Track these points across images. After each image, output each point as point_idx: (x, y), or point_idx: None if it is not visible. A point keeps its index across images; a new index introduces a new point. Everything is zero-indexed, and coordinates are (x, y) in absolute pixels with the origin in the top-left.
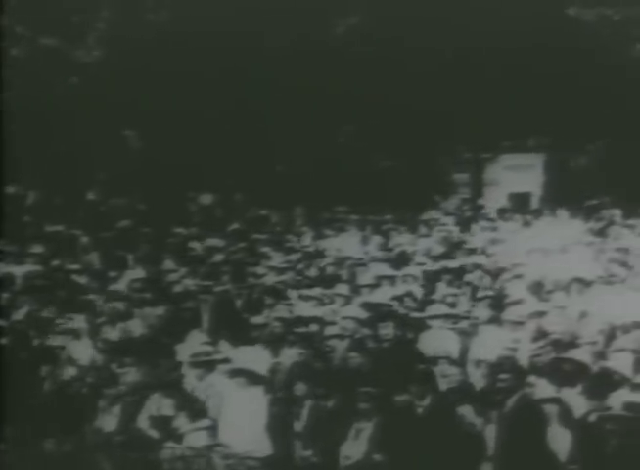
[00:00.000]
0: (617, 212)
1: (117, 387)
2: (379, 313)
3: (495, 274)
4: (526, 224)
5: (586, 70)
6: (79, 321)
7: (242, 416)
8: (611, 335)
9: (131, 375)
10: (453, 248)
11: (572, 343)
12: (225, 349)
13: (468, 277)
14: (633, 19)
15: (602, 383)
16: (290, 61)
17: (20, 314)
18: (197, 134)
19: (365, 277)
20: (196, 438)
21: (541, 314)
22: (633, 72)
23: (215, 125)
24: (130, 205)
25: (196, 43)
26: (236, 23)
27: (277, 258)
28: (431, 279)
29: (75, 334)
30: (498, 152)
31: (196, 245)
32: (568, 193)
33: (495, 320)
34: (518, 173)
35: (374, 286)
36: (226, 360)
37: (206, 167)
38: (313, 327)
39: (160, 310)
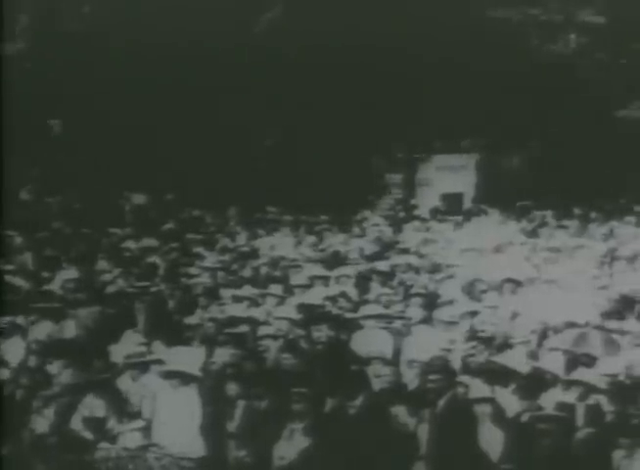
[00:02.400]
0: (549, 213)
1: (51, 388)
2: (312, 314)
3: None
4: (459, 225)
5: (519, 72)
6: (12, 322)
7: (176, 417)
8: (543, 335)
9: (65, 376)
10: (386, 248)
11: (505, 343)
12: (159, 349)
13: (401, 277)
14: (562, 20)
15: (534, 383)
16: (218, 60)
17: None
18: (130, 135)
19: (299, 277)
20: (130, 438)
21: (474, 314)
22: (565, 75)
23: (148, 126)
24: (64, 205)
25: (119, 40)
26: (158, 20)
27: (211, 259)
28: (364, 279)
29: (8, 335)
30: (431, 152)
31: (130, 245)
32: (500, 194)
33: (428, 320)
34: (450, 174)
35: (307, 286)
36: (160, 361)
37: (140, 168)
38: (247, 327)
39: (94, 311)
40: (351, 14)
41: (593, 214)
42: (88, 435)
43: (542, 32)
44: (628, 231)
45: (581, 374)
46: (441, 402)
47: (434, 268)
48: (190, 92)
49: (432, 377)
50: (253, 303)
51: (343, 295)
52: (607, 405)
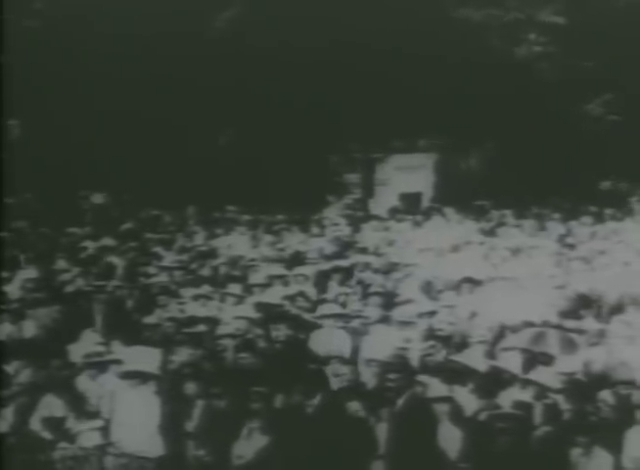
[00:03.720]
0: (506, 213)
1: (10, 388)
2: (271, 313)
3: None
4: (417, 224)
5: (476, 73)
6: None
7: (134, 416)
8: (500, 334)
9: (24, 376)
10: (345, 247)
11: (463, 342)
12: (117, 349)
13: (359, 277)
14: (521, 21)
15: (492, 382)
16: (174, 59)
17: None
18: (88, 134)
19: (257, 277)
20: (88, 438)
21: (432, 314)
22: (521, 75)
23: (106, 125)
24: (23, 204)
25: (71, 37)
26: (110, 21)
27: (169, 258)
28: (323, 279)
29: None
30: (389, 152)
31: (89, 244)
32: (458, 193)
33: (386, 320)
34: (409, 174)
35: (266, 286)
36: (118, 361)
37: (99, 167)
38: (205, 327)
39: (52, 310)
40: (308, 12)
41: (550, 214)
42: (47, 435)
43: (502, 32)
44: (585, 231)
45: (539, 373)
46: (400, 401)
47: (393, 268)
48: (145, 91)
49: (390, 376)
50: (212, 302)
51: (302, 294)
52: (564, 404)
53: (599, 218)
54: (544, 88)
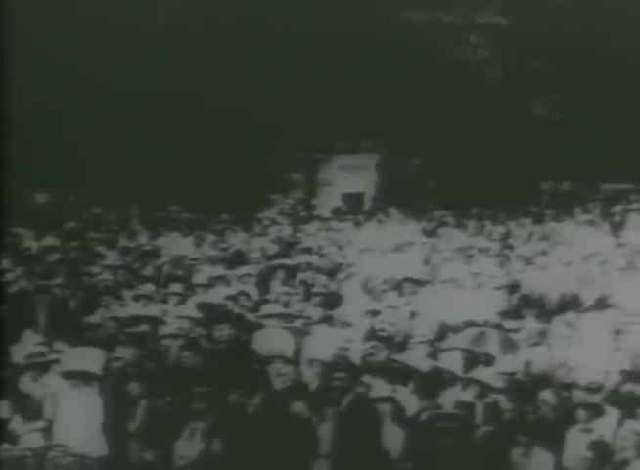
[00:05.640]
0: (448, 213)
1: None
2: (213, 313)
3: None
4: (360, 224)
5: (418, 74)
6: None
7: (77, 416)
8: (442, 334)
9: None
10: (287, 247)
11: (405, 342)
12: (60, 349)
13: (302, 276)
14: (462, 22)
15: (433, 382)
16: (116, 54)
17: None
18: (30, 133)
19: (200, 276)
20: (32, 439)
21: (374, 314)
22: (463, 76)
23: (49, 124)
24: None
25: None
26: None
27: (112, 257)
28: (265, 279)
29: None
30: (332, 152)
31: (31, 244)
32: (400, 194)
33: (329, 320)
34: (351, 174)
35: (208, 285)
36: (61, 361)
37: (41, 166)
38: (148, 326)
39: None
40: (248, 9)
41: (491, 215)
42: None
43: (444, 34)
44: (525, 231)
45: (480, 373)
46: (343, 401)
47: (335, 268)
48: (89, 90)
49: (333, 376)
50: (155, 302)
51: (245, 294)
52: (505, 403)
53: (540, 219)
54: (486, 89)
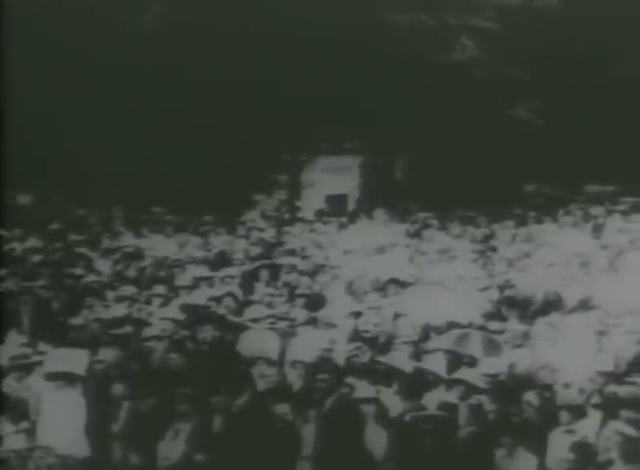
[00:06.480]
0: (431, 215)
1: None
2: (197, 314)
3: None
4: (343, 226)
5: (403, 76)
6: None
7: (61, 417)
8: (425, 335)
9: None
10: (271, 249)
11: (388, 343)
12: (44, 350)
13: (286, 278)
14: (448, 25)
15: (417, 383)
16: (100, 58)
17: None
18: (14, 134)
19: (183, 278)
20: (15, 440)
21: (358, 315)
22: (448, 79)
23: (31, 125)
24: None
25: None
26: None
27: (95, 259)
28: (249, 280)
29: None
30: (316, 154)
31: (15, 246)
32: (384, 195)
33: (313, 321)
34: (335, 175)
35: (192, 287)
36: (44, 362)
37: (25, 167)
38: (131, 328)
39: None
40: (233, 13)
41: (475, 216)
42: None
43: (432, 37)
44: (508, 233)
45: (463, 374)
46: (327, 402)
47: (319, 269)
48: (72, 92)
49: (317, 377)
50: (138, 303)
51: (229, 295)
52: (488, 405)
53: (523, 221)
54: (470, 92)
